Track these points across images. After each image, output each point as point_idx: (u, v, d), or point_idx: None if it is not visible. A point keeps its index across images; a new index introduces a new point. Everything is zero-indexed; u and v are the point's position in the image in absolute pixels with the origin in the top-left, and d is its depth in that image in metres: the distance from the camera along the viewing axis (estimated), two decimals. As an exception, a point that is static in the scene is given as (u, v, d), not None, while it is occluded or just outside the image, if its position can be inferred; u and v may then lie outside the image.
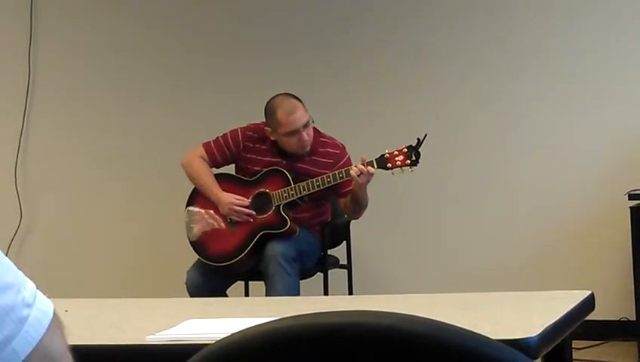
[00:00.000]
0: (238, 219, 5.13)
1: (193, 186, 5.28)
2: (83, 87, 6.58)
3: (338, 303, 3.41)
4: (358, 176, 4.89)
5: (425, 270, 6.08)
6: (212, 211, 5.19)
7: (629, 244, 5.31)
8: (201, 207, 5.23)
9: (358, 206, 5.07)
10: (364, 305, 3.13)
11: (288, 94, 5.15)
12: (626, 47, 5.84)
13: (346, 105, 6.20)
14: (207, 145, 5.23)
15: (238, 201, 5.13)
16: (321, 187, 5.04)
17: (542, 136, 5.96)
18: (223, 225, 5.16)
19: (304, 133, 5.05)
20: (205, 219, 5.19)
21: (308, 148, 5.10)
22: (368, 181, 4.94)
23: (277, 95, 5.16)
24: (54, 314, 1.25)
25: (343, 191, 5.07)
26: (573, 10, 5.90)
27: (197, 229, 5.19)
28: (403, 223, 6.17)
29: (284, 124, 5.04)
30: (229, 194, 5.15)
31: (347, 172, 4.98)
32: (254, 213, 5.12)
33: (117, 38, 6.55)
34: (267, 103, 5.15)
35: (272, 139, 5.12)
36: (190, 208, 5.25)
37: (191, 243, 5.22)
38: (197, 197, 5.25)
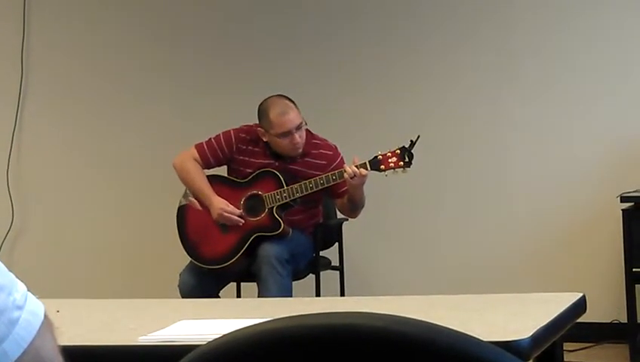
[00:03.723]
0: (227, 223, 5.13)
1: (183, 192, 5.27)
2: (76, 88, 6.58)
3: (330, 304, 3.41)
4: (351, 178, 4.90)
5: (417, 272, 6.08)
6: (203, 215, 5.18)
7: (620, 247, 5.31)
8: (191, 213, 5.22)
9: (355, 205, 5.08)
10: (356, 306, 3.13)
11: (281, 95, 5.15)
12: (619, 52, 5.84)
13: (340, 107, 6.20)
14: (199, 147, 5.22)
15: (228, 208, 5.12)
16: (314, 189, 5.04)
17: (535, 139, 5.96)
18: (215, 228, 5.15)
19: (296, 135, 5.04)
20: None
21: (300, 151, 5.10)
22: (363, 183, 4.95)
23: (270, 96, 5.16)
24: (45, 316, 1.25)
25: (340, 191, 5.07)
26: (569, 13, 5.90)
27: (193, 201, 5.20)
28: (395, 225, 6.17)
29: (277, 125, 5.04)
30: (222, 199, 5.14)
31: (340, 174, 4.98)
32: (243, 221, 5.11)
33: (111, 38, 6.54)
34: (260, 104, 5.15)
35: (265, 140, 5.12)
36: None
37: (184, 245, 5.21)
38: (187, 204, 5.25)
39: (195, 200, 5.21)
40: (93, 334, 2.84)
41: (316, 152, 5.15)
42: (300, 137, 5.06)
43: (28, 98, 6.62)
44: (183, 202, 5.25)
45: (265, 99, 5.15)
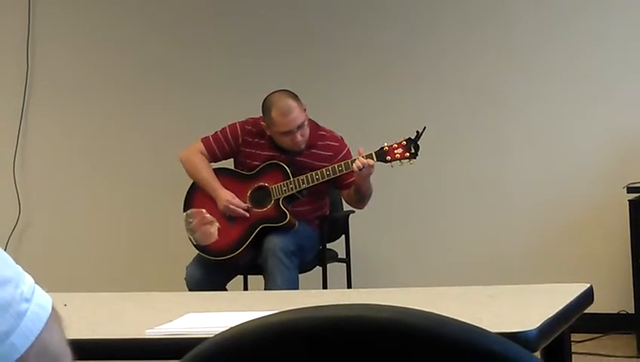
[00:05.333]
0: (233, 216, 5.13)
1: (190, 185, 5.27)
2: (81, 83, 6.58)
3: (337, 297, 3.42)
4: (360, 170, 4.89)
5: (424, 263, 6.08)
6: (210, 207, 5.17)
7: (627, 237, 5.31)
8: (198, 205, 5.21)
9: (363, 196, 5.07)
10: (363, 298, 3.13)
11: (285, 91, 5.12)
12: (624, 43, 5.83)
13: (345, 98, 6.20)
14: (206, 140, 5.22)
15: (235, 201, 5.12)
16: (321, 180, 5.03)
17: (540, 130, 5.96)
18: (221, 219, 5.16)
19: (298, 135, 5.03)
20: (204, 219, 5.18)
21: (302, 147, 5.09)
22: (370, 173, 4.94)
23: (274, 92, 5.14)
24: (53, 308, 1.25)
25: (346, 182, 5.07)
26: (570, 8, 5.89)
27: (199, 233, 5.16)
28: (402, 216, 6.17)
29: (279, 124, 5.03)
30: (228, 191, 5.14)
31: (346, 165, 4.98)
32: (248, 215, 5.11)
33: (115, 35, 6.54)
34: (265, 99, 5.14)
35: (268, 134, 5.12)
36: (188, 212, 5.22)
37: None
38: (193, 196, 5.24)
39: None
40: (100, 327, 2.85)
41: (322, 144, 5.14)
42: (301, 136, 5.05)
43: (33, 93, 6.62)
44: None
45: (269, 94, 5.13)
